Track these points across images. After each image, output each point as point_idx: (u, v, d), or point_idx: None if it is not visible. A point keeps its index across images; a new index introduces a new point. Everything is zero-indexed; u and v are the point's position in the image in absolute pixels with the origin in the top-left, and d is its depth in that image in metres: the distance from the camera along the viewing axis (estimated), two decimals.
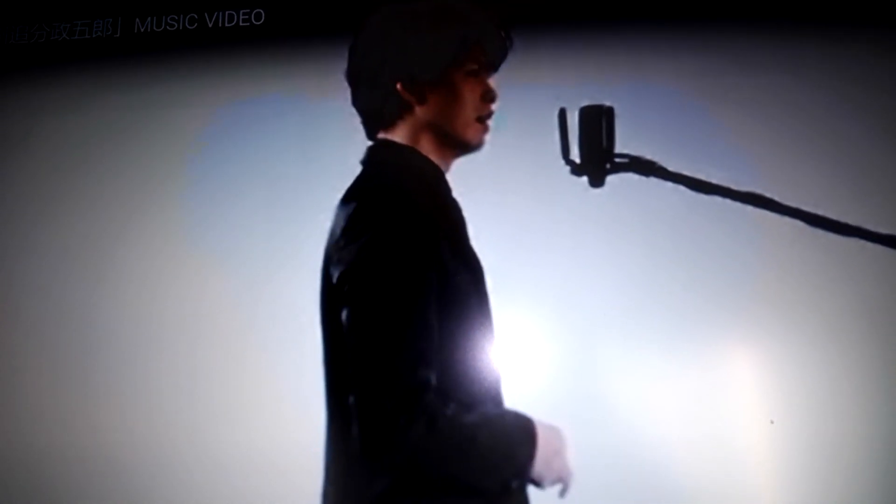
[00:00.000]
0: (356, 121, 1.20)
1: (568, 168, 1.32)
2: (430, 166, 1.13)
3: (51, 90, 1.55)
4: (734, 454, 1.28)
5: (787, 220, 1.30)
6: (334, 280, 1.05)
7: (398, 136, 1.14)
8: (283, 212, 1.42)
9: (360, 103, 1.17)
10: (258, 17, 1.52)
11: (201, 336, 1.40)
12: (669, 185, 1.31)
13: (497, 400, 1.08)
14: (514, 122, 1.30)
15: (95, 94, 1.53)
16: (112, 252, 1.47)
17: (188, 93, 1.50)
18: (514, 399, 1.13)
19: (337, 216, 1.10)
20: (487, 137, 1.17)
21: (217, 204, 1.46)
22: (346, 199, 1.10)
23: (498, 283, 1.16)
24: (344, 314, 1.03)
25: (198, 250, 1.44)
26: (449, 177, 1.17)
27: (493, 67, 1.18)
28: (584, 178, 1.32)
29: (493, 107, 1.16)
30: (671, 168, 1.30)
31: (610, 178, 1.32)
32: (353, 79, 1.17)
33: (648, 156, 1.31)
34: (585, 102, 1.31)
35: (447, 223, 1.11)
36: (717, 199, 1.31)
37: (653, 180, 1.31)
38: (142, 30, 1.54)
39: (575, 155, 1.31)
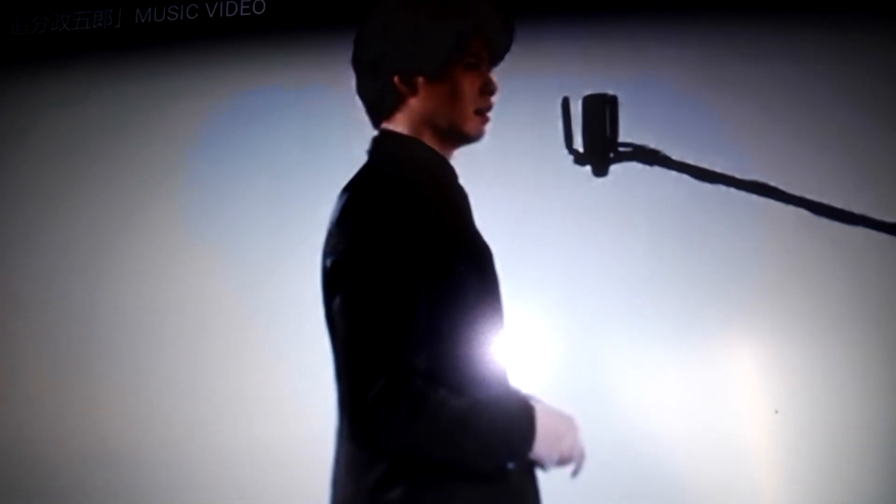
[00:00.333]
0: (358, 111, 1.20)
1: (571, 157, 1.32)
2: (431, 155, 1.13)
3: (51, 82, 1.55)
4: (738, 444, 1.28)
5: (791, 208, 1.30)
6: (327, 270, 1.06)
7: (400, 126, 1.14)
8: (286, 203, 1.42)
9: (363, 93, 1.18)
10: (259, 6, 1.51)
11: (203, 329, 1.40)
12: (673, 174, 1.31)
13: (501, 385, 1.08)
14: (517, 112, 1.30)
15: (96, 86, 1.53)
16: (113, 245, 1.47)
17: (189, 83, 1.50)
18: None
19: (334, 207, 1.11)
20: (488, 128, 1.17)
21: (219, 196, 1.45)
22: (343, 190, 1.11)
23: (500, 272, 1.16)
24: (334, 303, 1.04)
25: (199, 243, 1.44)
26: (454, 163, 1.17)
27: (496, 58, 1.18)
28: (588, 168, 1.32)
29: (493, 99, 1.15)
30: (675, 157, 1.30)
31: (613, 168, 1.31)
32: (357, 68, 1.17)
33: (652, 145, 1.31)
34: (589, 91, 1.31)
35: (449, 211, 1.10)
36: (721, 188, 1.30)
37: (656, 169, 1.30)
38: (142, 20, 1.54)
39: (578, 144, 1.31)
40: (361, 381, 0.99)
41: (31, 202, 1.51)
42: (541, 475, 1.08)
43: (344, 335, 1.02)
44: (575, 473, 1.07)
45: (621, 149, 1.30)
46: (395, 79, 1.12)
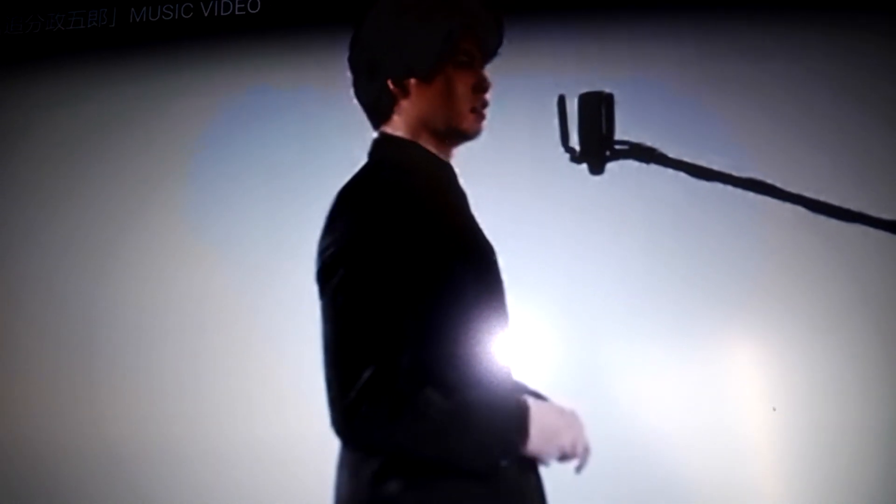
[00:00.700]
0: (355, 110, 1.19)
1: (567, 156, 1.31)
2: (428, 158, 1.13)
3: (46, 81, 1.55)
4: (736, 441, 1.28)
5: (788, 206, 1.29)
6: (317, 272, 1.07)
7: (398, 129, 1.14)
8: (284, 202, 1.41)
9: (360, 97, 1.18)
10: (254, 5, 1.51)
11: (204, 328, 1.40)
12: (670, 172, 1.30)
13: (500, 383, 1.08)
14: (512, 110, 1.29)
15: (91, 86, 1.53)
16: (113, 244, 1.47)
17: (185, 82, 1.50)
18: None
19: (328, 211, 1.11)
20: (485, 125, 1.16)
21: (216, 195, 1.45)
22: (337, 195, 1.11)
23: None
24: (321, 304, 1.05)
25: (199, 242, 1.44)
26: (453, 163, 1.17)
27: (487, 56, 1.18)
28: (584, 166, 1.31)
29: (487, 96, 1.15)
30: (671, 155, 1.30)
31: (610, 166, 1.31)
32: (353, 73, 1.18)
33: (648, 143, 1.30)
34: (585, 89, 1.31)
35: (445, 212, 1.10)
36: (718, 186, 1.30)
37: (653, 167, 1.30)
38: (137, 19, 1.53)
39: (574, 142, 1.31)
40: (343, 381, 0.99)
41: (28, 202, 1.51)
42: (545, 472, 1.08)
43: (328, 334, 1.03)
44: (579, 469, 1.07)
45: (617, 147, 1.29)
46: (389, 82, 1.13)
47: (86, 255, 1.47)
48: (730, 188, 1.30)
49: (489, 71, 1.18)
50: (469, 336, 1.06)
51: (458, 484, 1.01)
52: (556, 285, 1.34)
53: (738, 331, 1.32)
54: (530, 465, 1.07)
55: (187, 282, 1.42)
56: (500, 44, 1.19)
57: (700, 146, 1.32)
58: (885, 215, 1.29)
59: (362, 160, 1.16)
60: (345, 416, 0.99)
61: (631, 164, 1.31)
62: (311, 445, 1.06)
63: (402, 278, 1.01)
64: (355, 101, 1.19)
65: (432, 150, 1.14)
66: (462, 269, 1.07)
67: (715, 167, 1.30)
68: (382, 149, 1.15)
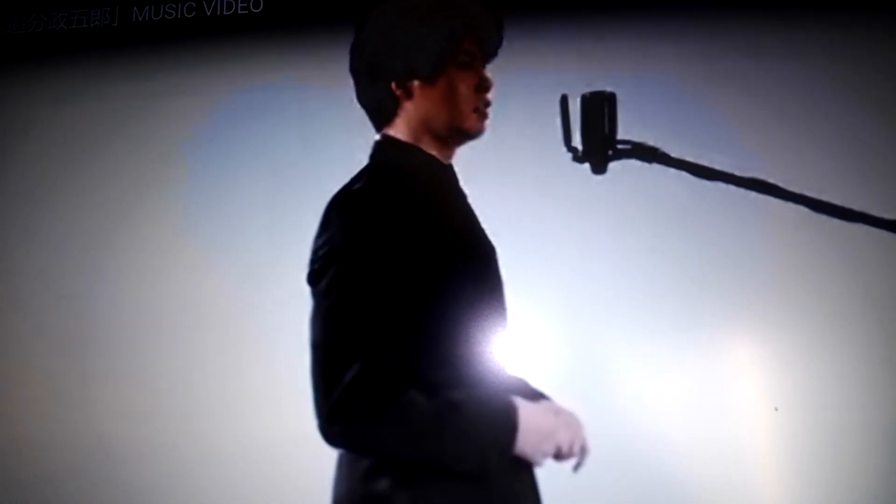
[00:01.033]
0: (356, 109, 1.19)
1: (570, 155, 1.31)
2: (428, 161, 1.13)
3: (49, 80, 1.55)
4: (738, 440, 1.28)
5: (790, 205, 1.29)
6: (309, 274, 1.08)
7: (399, 131, 1.14)
8: (283, 200, 1.41)
9: (363, 100, 1.18)
10: (256, 4, 1.51)
11: (200, 324, 1.40)
12: (672, 171, 1.30)
13: (495, 383, 1.08)
14: (515, 110, 1.29)
15: (93, 84, 1.53)
16: (112, 241, 1.47)
17: (187, 81, 1.50)
18: None
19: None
20: (487, 124, 1.16)
21: (216, 193, 1.45)
22: (332, 197, 1.11)
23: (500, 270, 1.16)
24: (312, 305, 1.06)
25: (197, 239, 1.44)
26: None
27: (489, 55, 1.18)
28: (587, 166, 1.31)
29: (489, 96, 1.15)
30: (674, 154, 1.30)
31: (612, 165, 1.31)
32: (355, 76, 1.18)
33: (651, 142, 1.30)
34: (587, 89, 1.31)
35: (443, 215, 1.10)
36: (720, 186, 1.30)
37: (655, 167, 1.30)
38: (140, 18, 1.53)
39: (577, 142, 1.31)
40: (327, 382, 0.99)
41: (28, 199, 1.51)
42: (543, 471, 1.08)
43: (315, 334, 1.03)
44: (576, 469, 1.07)
45: (620, 146, 1.29)
46: (392, 84, 1.13)
47: (84, 251, 1.47)
48: (732, 188, 1.30)
49: (491, 71, 1.18)
50: (463, 337, 1.05)
51: (449, 483, 1.01)
52: (558, 284, 1.34)
53: (739, 330, 1.32)
54: (524, 466, 1.06)
55: (185, 279, 1.42)
56: (500, 43, 1.18)
57: (702, 146, 1.31)
58: (888, 215, 1.28)
59: (362, 160, 1.16)
60: (328, 417, 0.99)
61: (633, 164, 1.31)
62: (307, 444, 1.06)
63: (394, 279, 1.01)
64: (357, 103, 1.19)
65: (434, 152, 1.14)
66: (457, 271, 1.07)
67: (717, 167, 1.30)
68: (383, 151, 1.15)
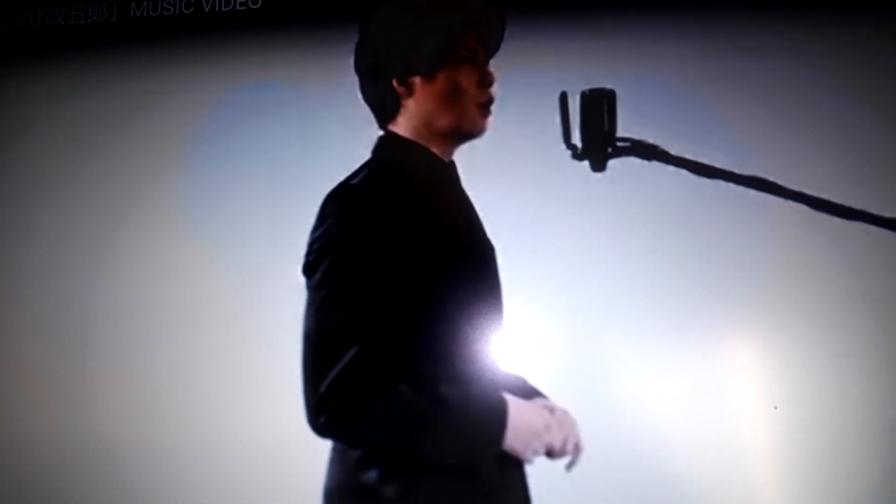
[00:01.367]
0: (357, 106, 1.19)
1: (569, 152, 1.31)
2: (429, 157, 1.13)
3: (46, 76, 1.54)
4: (737, 439, 1.28)
5: (789, 203, 1.29)
6: (303, 269, 1.09)
7: (402, 128, 1.14)
8: (283, 199, 1.41)
9: (367, 98, 1.18)
10: (255, 0, 1.51)
11: (200, 323, 1.40)
12: (671, 169, 1.30)
13: (487, 379, 1.08)
14: (515, 107, 1.29)
15: (91, 80, 1.53)
16: (111, 239, 1.46)
17: (185, 78, 1.50)
18: None
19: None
20: (489, 122, 1.16)
21: (215, 190, 1.45)
22: (328, 194, 1.11)
23: (499, 267, 1.16)
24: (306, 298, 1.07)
25: (196, 237, 1.44)
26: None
27: (490, 51, 1.18)
28: (586, 163, 1.31)
29: (492, 91, 1.15)
30: (673, 152, 1.30)
31: (611, 163, 1.31)
32: (359, 75, 1.19)
33: (650, 140, 1.30)
34: (587, 86, 1.30)
35: (440, 212, 1.10)
36: (720, 183, 1.30)
37: (655, 164, 1.30)
38: (138, 14, 1.53)
39: (576, 139, 1.31)
40: (315, 375, 1.00)
41: (27, 197, 1.51)
42: (543, 471, 1.08)
43: (307, 326, 1.04)
44: (569, 467, 1.07)
45: (619, 144, 1.29)
46: (394, 82, 1.13)
47: (83, 248, 1.47)
48: (731, 185, 1.30)
49: (491, 68, 1.18)
50: (458, 333, 1.06)
51: (438, 476, 1.02)
52: (557, 282, 1.34)
53: (738, 328, 1.32)
54: (514, 462, 1.06)
55: (184, 277, 1.42)
56: (501, 40, 1.19)
57: (702, 143, 1.32)
58: (887, 213, 1.29)
59: (362, 158, 1.16)
60: (316, 407, 1.00)
61: (633, 161, 1.31)
62: (307, 443, 1.06)
63: (388, 273, 1.02)
64: (360, 98, 1.19)
65: (435, 149, 1.14)
66: (452, 267, 1.07)
67: (717, 164, 1.30)
68: (383, 147, 1.15)
